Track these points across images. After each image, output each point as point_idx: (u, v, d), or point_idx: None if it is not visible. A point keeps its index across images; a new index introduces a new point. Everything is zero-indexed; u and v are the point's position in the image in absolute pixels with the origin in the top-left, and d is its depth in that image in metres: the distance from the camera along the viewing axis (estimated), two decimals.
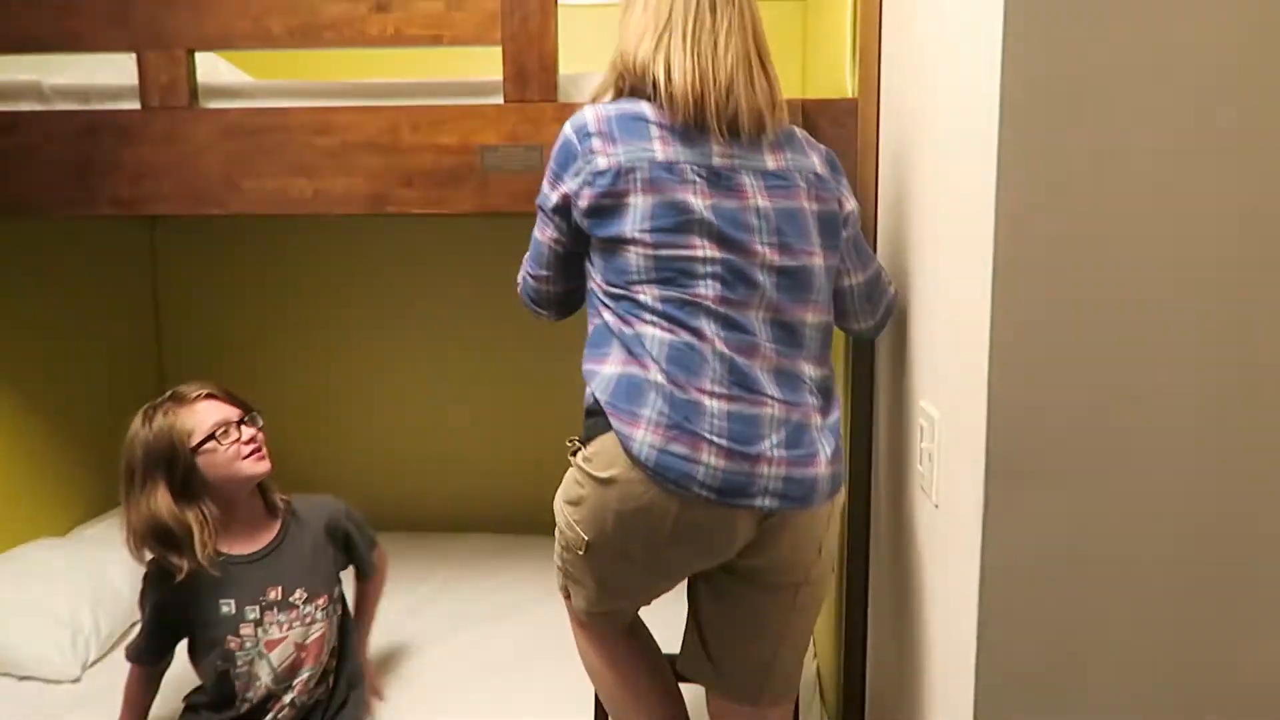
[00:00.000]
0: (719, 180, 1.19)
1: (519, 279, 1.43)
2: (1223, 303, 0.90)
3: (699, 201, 1.17)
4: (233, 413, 1.58)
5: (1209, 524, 0.92)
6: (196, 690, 1.63)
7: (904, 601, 1.36)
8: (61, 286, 2.43)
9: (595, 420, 1.22)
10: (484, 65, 1.77)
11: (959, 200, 1.06)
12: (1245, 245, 0.89)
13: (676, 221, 1.17)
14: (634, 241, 1.18)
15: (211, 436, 1.53)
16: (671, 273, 1.18)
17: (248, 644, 1.55)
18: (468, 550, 2.54)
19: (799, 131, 1.32)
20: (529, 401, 2.72)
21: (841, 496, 1.28)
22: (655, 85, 1.20)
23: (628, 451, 1.16)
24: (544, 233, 1.32)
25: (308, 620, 1.60)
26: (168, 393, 1.59)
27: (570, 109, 1.62)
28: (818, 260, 1.25)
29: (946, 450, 1.13)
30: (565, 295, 1.38)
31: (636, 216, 1.17)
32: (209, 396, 1.58)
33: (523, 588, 2.29)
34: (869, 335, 1.45)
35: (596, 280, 1.26)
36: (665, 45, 1.20)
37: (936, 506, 1.17)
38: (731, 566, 1.26)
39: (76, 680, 1.86)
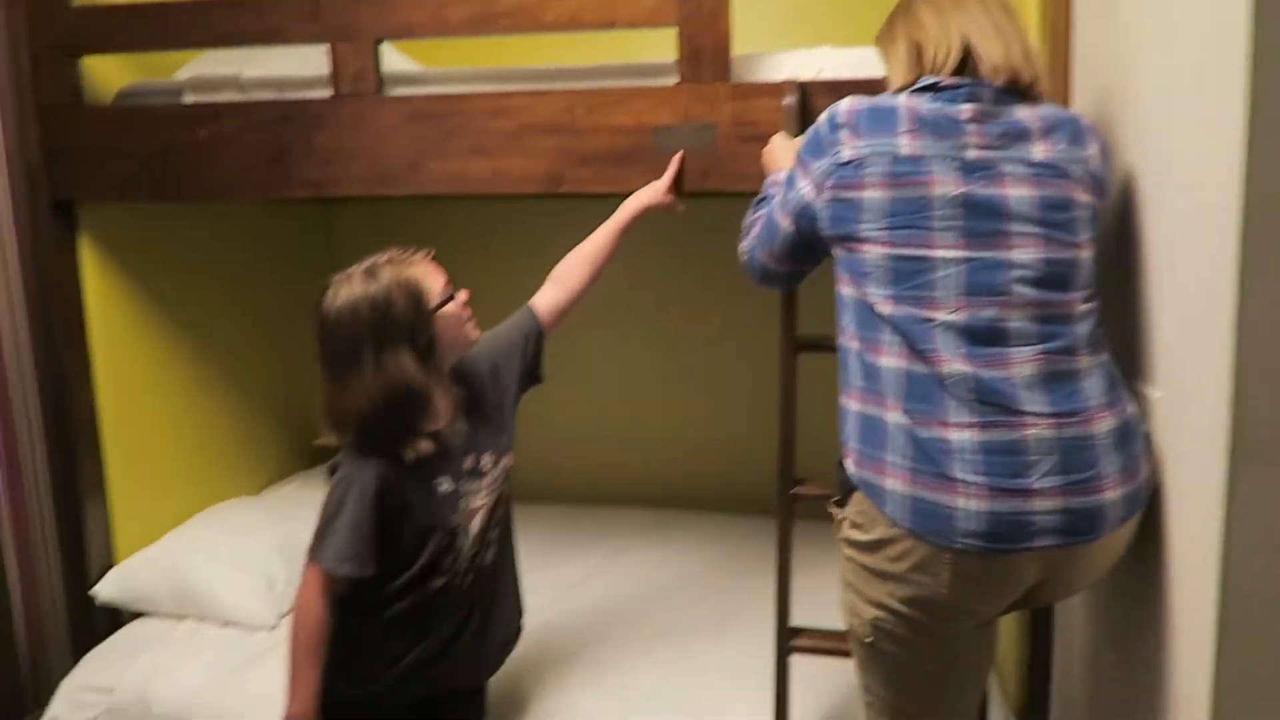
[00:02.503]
0: (974, 170, 1.10)
1: (745, 248, 1.38)
2: None
3: (945, 194, 1.09)
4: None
5: None
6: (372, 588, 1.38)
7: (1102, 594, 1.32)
8: (248, 264, 2.60)
9: (844, 470, 1.17)
10: (656, 48, 1.78)
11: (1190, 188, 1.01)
12: None
13: (915, 219, 1.10)
14: (869, 240, 1.13)
15: (451, 298, 1.39)
16: (908, 276, 1.10)
17: (462, 520, 1.42)
18: (628, 523, 2.55)
19: (1080, 118, 1.17)
20: (697, 378, 2.74)
21: (1136, 519, 1.11)
22: (970, 61, 1.16)
23: (880, 507, 1.09)
24: (783, 219, 1.26)
25: (492, 486, 1.48)
26: (376, 256, 1.37)
27: (744, 89, 1.63)
28: (1085, 254, 1.13)
29: (1174, 432, 1.08)
30: (793, 275, 1.36)
31: (873, 212, 1.12)
32: (430, 258, 1.41)
33: (686, 562, 2.30)
34: None
35: (841, 282, 1.20)
36: (967, 27, 1.17)
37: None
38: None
39: (273, 628, 2.00)
